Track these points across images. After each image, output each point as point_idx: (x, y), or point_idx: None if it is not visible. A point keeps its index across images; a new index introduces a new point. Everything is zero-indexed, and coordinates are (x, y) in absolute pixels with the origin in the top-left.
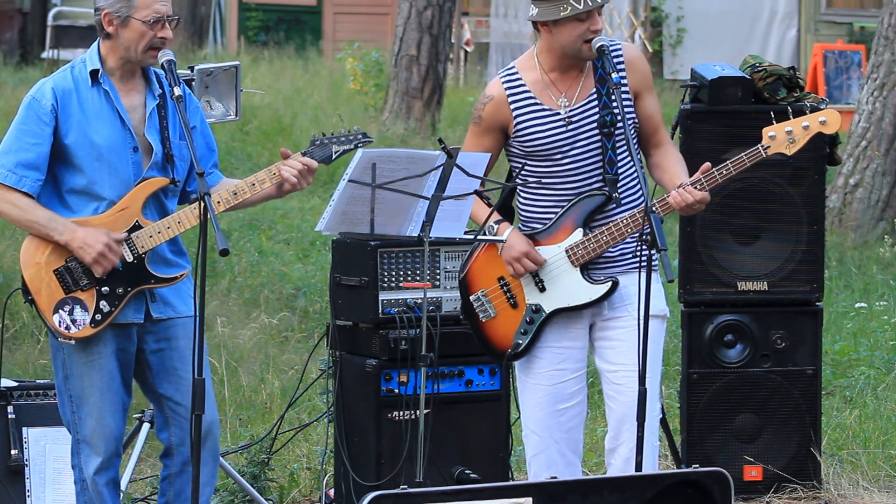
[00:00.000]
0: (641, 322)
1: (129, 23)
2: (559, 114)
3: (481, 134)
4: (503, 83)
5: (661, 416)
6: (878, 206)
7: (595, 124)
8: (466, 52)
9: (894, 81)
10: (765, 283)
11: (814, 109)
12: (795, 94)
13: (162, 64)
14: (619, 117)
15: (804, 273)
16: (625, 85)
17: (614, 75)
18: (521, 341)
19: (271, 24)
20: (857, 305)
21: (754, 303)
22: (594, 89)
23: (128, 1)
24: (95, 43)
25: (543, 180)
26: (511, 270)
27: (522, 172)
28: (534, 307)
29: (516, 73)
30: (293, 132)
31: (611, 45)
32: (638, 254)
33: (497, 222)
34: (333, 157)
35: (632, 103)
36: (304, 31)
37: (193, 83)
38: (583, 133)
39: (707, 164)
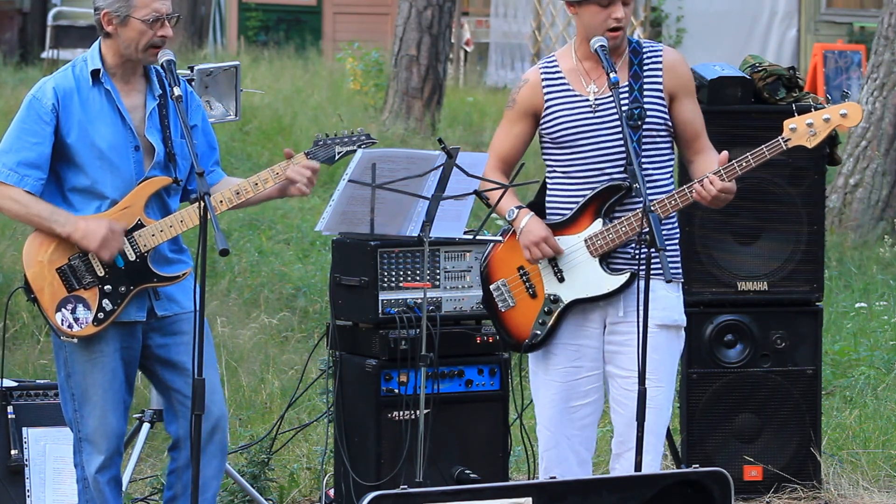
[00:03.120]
0: (642, 322)
1: (128, 22)
2: (587, 100)
3: (514, 120)
4: (540, 69)
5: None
6: (878, 206)
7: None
8: (466, 52)
9: (894, 81)
10: (765, 283)
11: (814, 105)
12: (795, 94)
13: (162, 64)
14: (647, 112)
15: (804, 273)
16: (657, 86)
17: (612, 75)
18: (538, 331)
19: (271, 24)
20: (857, 305)
21: (754, 303)
22: (627, 83)
23: (127, 0)
24: (96, 42)
25: (568, 169)
26: (528, 255)
27: (548, 163)
28: (552, 297)
29: (555, 60)
30: (293, 132)
31: (650, 47)
32: (637, 254)
33: (518, 208)
34: (336, 157)
35: (664, 104)
36: (304, 31)
37: (193, 83)
38: (609, 122)
39: (725, 154)
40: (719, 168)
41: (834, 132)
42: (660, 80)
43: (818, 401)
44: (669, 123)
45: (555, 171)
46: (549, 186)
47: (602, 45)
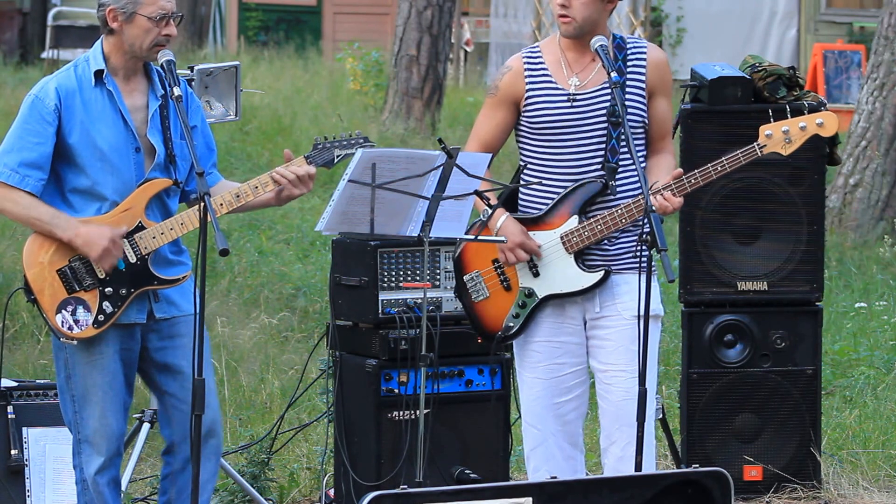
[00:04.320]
0: (642, 324)
1: (134, 19)
2: (567, 92)
3: (495, 106)
4: (523, 57)
5: (661, 415)
6: (878, 206)
7: (604, 111)
8: (466, 52)
9: (894, 81)
10: (765, 283)
11: (812, 109)
12: (795, 94)
13: (161, 64)
14: (627, 110)
15: (804, 273)
16: (640, 83)
17: (613, 74)
18: (512, 324)
19: (271, 24)
20: (857, 305)
21: (754, 303)
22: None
23: None
24: (98, 42)
25: (544, 162)
26: (503, 258)
27: (526, 153)
28: (527, 291)
29: (538, 49)
30: (293, 132)
31: (634, 44)
32: (638, 254)
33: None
34: (335, 161)
35: (644, 102)
36: (304, 31)
37: (193, 83)
38: (589, 116)
39: (679, 171)
40: (670, 182)
41: (836, 132)
42: (643, 77)
43: (818, 401)
44: (646, 121)
45: (531, 164)
46: (524, 179)
47: (602, 45)
